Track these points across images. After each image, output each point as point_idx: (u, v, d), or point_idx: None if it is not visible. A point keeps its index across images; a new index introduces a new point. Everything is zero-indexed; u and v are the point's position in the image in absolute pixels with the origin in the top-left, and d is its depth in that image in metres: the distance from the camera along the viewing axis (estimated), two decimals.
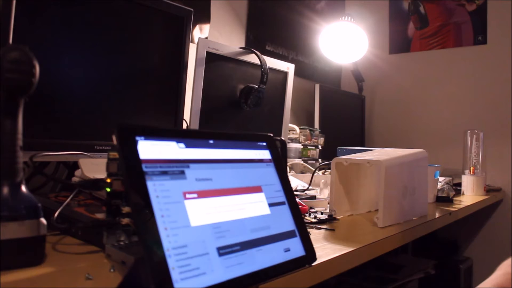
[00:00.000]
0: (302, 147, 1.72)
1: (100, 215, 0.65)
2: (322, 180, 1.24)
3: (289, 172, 1.60)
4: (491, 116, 2.15)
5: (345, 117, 2.27)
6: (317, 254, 0.61)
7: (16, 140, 0.53)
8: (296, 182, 1.35)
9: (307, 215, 0.96)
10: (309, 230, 0.68)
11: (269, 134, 0.66)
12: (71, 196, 0.72)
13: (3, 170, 0.52)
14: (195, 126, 1.22)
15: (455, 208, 1.31)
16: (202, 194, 0.51)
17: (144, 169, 0.46)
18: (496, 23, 2.17)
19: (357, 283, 1.43)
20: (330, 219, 0.94)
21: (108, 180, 0.56)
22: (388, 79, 2.48)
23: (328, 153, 1.74)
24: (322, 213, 0.98)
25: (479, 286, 0.65)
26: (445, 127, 2.27)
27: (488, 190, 1.84)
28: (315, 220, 0.92)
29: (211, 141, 0.57)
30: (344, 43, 2.09)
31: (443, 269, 1.86)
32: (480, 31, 2.21)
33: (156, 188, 0.46)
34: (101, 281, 0.48)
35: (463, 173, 1.70)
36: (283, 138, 1.39)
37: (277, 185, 0.62)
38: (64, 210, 0.66)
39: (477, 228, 2.17)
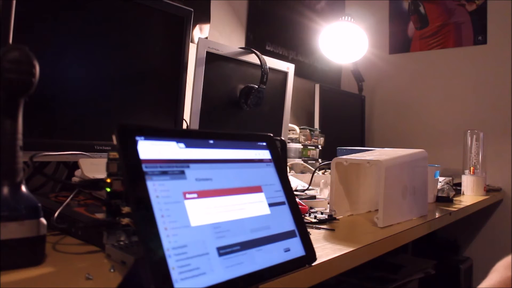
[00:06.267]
0: (302, 147, 1.72)
1: (100, 215, 0.65)
2: (322, 180, 1.24)
3: (289, 172, 1.60)
4: (491, 116, 2.15)
5: (345, 117, 2.27)
6: (317, 254, 0.61)
7: (16, 140, 0.53)
8: (296, 182, 1.36)
9: (307, 215, 0.96)
10: (309, 230, 0.68)
11: (269, 134, 0.66)
12: (71, 196, 0.72)
13: (3, 170, 0.52)
14: (195, 126, 1.22)
15: (455, 208, 1.31)
16: (202, 194, 0.51)
17: (144, 169, 0.46)
18: (496, 23, 2.17)
19: (357, 283, 1.43)
20: (330, 219, 0.94)
21: (108, 180, 0.56)
22: (388, 79, 2.48)
23: (328, 153, 1.74)
24: (322, 213, 0.98)
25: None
26: (445, 127, 2.27)
27: (488, 190, 1.84)
28: (315, 220, 0.92)
29: (211, 141, 0.57)
30: (344, 43, 2.09)
31: (443, 269, 1.86)
32: (480, 31, 2.21)
33: (156, 188, 0.46)
34: (101, 281, 0.48)
35: (463, 173, 1.70)
36: (283, 138, 1.39)
37: (277, 185, 0.62)
38: (64, 210, 0.66)
39: (477, 228, 2.17)
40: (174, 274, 0.42)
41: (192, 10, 1.17)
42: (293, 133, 1.75)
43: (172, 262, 0.43)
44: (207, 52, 1.24)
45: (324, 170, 1.73)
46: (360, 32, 2.10)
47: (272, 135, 0.66)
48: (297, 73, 1.74)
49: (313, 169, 1.41)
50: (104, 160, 0.57)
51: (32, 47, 0.53)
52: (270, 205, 0.59)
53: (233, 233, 0.51)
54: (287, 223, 0.59)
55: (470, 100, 2.22)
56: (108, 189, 0.56)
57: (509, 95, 2.11)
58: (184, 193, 0.49)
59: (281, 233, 0.57)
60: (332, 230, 0.85)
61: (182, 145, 0.52)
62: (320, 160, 1.77)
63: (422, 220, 1.03)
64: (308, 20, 2.25)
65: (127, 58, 1.05)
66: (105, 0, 0.98)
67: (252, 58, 1.38)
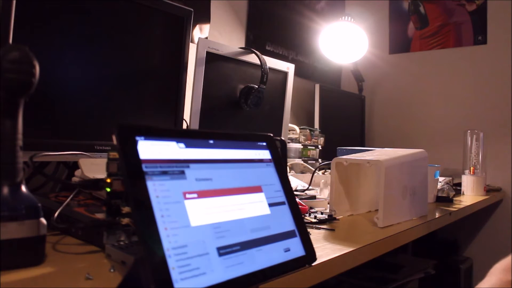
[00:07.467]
0: (302, 147, 1.72)
1: (100, 215, 0.65)
2: (322, 180, 1.24)
3: (289, 172, 1.60)
4: (491, 116, 2.15)
5: (345, 117, 2.27)
6: (317, 254, 0.61)
7: (16, 140, 0.53)
8: (296, 182, 1.35)
9: (307, 215, 0.96)
10: (309, 230, 0.68)
11: (269, 134, 0.66)
12: (71, 196, 0.72)
13: (3, 170, 0.52)
14: (195, 126, 1.22)
15: (455, 208, 1.31)
16: (202, 194, 0.51)
17: (144, 169, 0.46)
18: (496, 23, 2.17)
19: (357, 283, 1.43)
20: (330, 219, 0.94)
21: (108, 180, 0.56)
22: (388, 79, 2.48)
23: (328, 153, 1.74)
24: (322, 213, 0.98)
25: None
26: (445, 127, 2.27)
27: (488, 190, 1.84)
28: (315, 220, 0.92)
29: (211, 141, 0.57)
30: (344, 43, 2.09)
31: (443, 269, 1.86)
32: (480, 31, 2.21)
33: (156, 188, 0.46)
34: (101, 281, 0.48)
35: (463, 173, 1.70)
36: (283, 138, 1.39)
37: (277, 185, 0.62)
38: (64, 210, 0.66)
39: (477, 228, 2.17)
40: (174, 274, 0.42)
41: (192, 10, 1.17)
42: (293, 133, 1.75)
43: (172, 262, 0.43)
44: (207, 52, 1.24)
45: (324, 170, 1.73)
46: (360, 32, 2.10)
47: (272, 135, 0.66)
48: (297, 73, 1.74)
49: (313, 169, 1.41)
50: (104, 160, 0.57)
51: (32, 47, 0.53)
52: (270, 205, 0.59)
53: (233, 233, 0.51)
54: (287, 223, 0.59)
55: (470, 100, 2.22)
56: (108, 189, 0.56)
57: (509, 95, 2.11)
58: (184, 193, 0.49)
59: (281, 233, 0.57)
60: (332, 230, 0.85)
61: (182, 145, 0.52)
62: (320, 160, 1.77)
63: (422, 220, 1.03)
64: (308, 20, 2.25)
65: (127, 58, 1.05)
66: (105, 0, 0.98)
67: (252, 58, 1.38)
